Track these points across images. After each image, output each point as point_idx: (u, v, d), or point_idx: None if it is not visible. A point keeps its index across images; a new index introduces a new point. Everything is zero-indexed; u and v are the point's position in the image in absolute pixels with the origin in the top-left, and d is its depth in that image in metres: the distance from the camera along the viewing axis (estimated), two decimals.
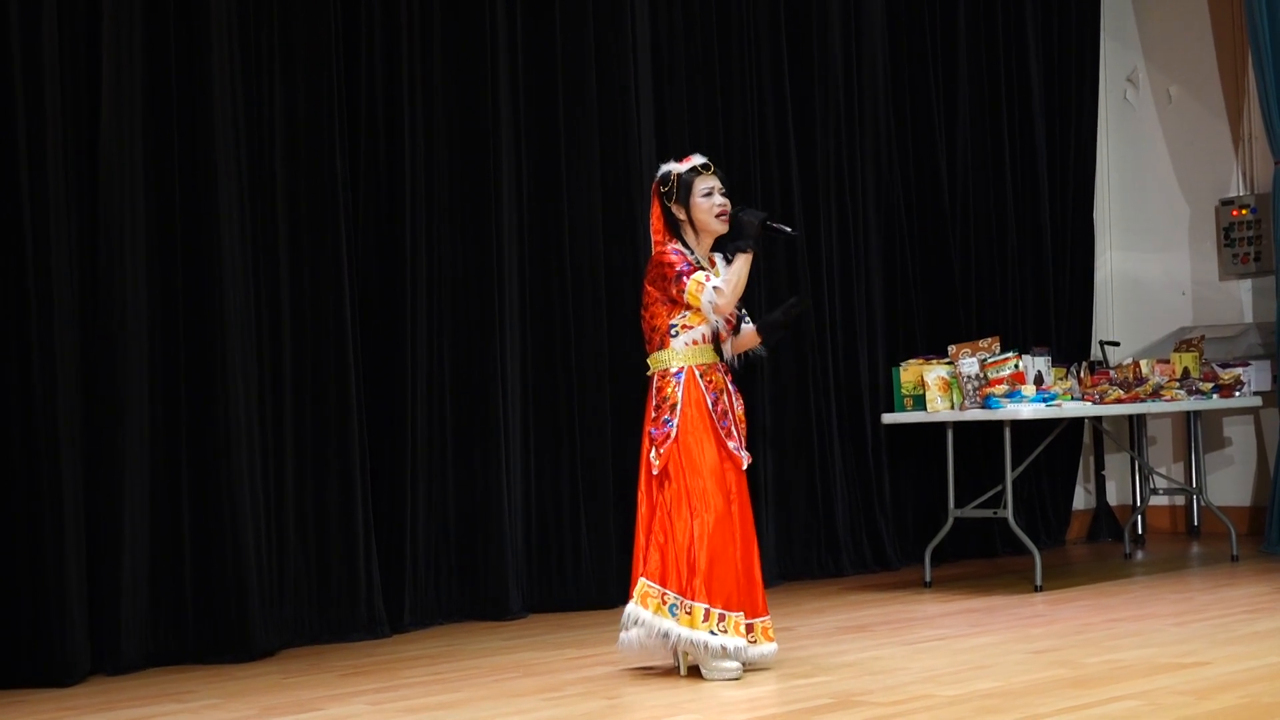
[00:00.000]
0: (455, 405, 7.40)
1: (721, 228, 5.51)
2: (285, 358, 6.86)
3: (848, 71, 9.08)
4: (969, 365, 7.83)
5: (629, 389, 7.65)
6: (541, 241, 7.74)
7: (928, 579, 8.20)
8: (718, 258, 5.57)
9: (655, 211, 5.58)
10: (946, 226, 9.44)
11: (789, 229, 5.51)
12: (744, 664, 5.44)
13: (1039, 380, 8.02)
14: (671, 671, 5.58)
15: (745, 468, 5.51)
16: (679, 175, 5.52)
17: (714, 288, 5.36)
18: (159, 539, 6.39)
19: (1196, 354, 8.84)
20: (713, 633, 5.31)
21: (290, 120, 6.90)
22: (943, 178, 9.45)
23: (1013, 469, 7.96)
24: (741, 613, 5.39)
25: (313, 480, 6.89)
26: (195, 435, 6.49)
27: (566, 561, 7.63)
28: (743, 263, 5.40)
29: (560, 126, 7.78)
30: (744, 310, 5.70)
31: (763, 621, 5.51)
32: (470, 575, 7.38)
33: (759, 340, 5.62)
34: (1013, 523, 7.89)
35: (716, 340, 5.53)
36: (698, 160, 5.56)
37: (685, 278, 5.37)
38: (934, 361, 8.06)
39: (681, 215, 5.51)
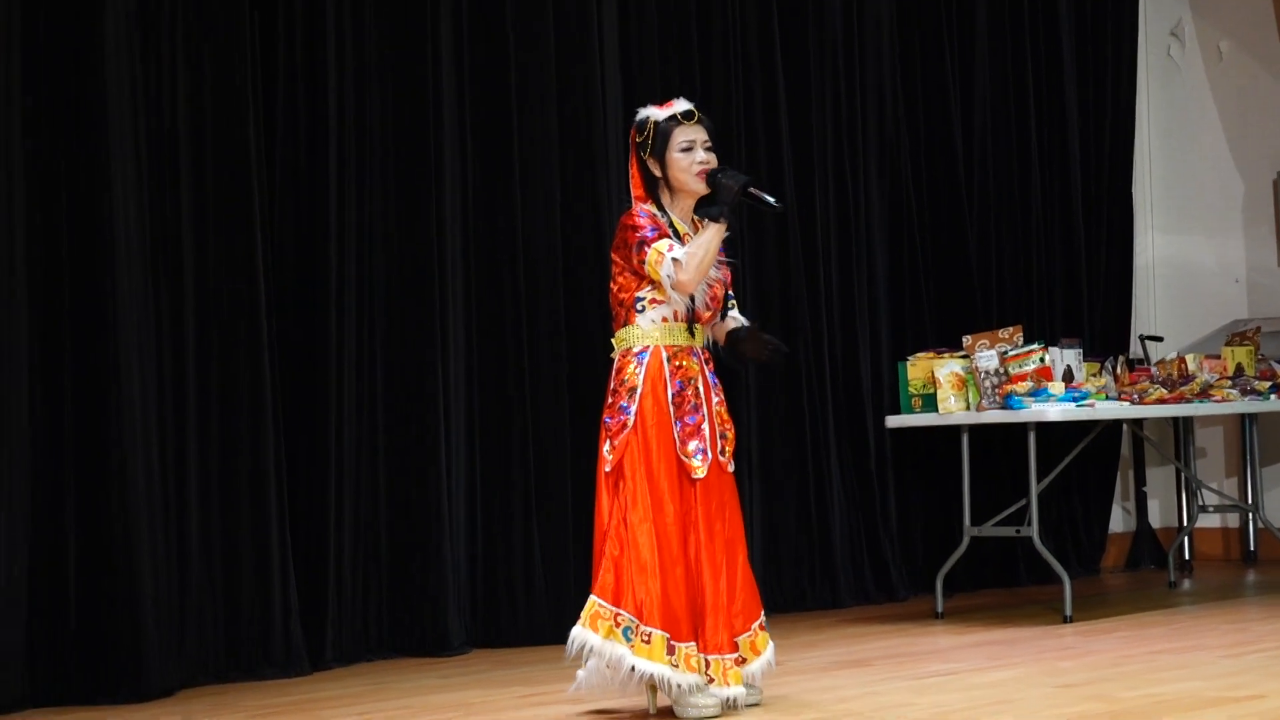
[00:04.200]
0: (389, 408, 7.40)
1: (701, 188, 5.47)
2: (189, 354, 6.85)
3: (848, 21, 9.10)
4: (987, 359, 7.83)
5: (590, 391, 7.61)
6: (490, 222, 7.75)
7: (939, 610, 8.20)
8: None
9: (633, 165, 5.54)
10: (962, 200, 9.45)
11: (772, 200, 5.46)
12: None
13: (1068, 377, 8.01)
14: (640, 713, 5.53)
15: (697, 477, 5.40)
16: (656, 123, 5.46)
17: (673, 260, 5.31)
18: (38, 561, 6.36)
19: (1251, 348, 8.85)
20: (674, 666, 5.26)
21: (195, 78, 6.91)
22: (957, 144, 9.46)
23: (1038, 481, 7.95)
24: (693, 643, 5.34)
25: (220, 493, 6.88)
26: (83, 442, 6.49)
27: (517, 588, 7.61)
28: (713, 234, 5.35)
29: (511, 86, 7.79)
30: (733, 298, 5.67)
31: (724, 660, 5.43)
32: (404, 604, 7.36)
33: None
34: (1038, 542, 7.88)
35: (691, 320, 5.48)
36: (680, 106, 5.50)
37: (647, 246, 5.33)
38: (946, 355, 8.06)
39: (657, 171, 5.47)
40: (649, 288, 5.41)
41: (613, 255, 5.47)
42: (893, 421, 8.24)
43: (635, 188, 5.55)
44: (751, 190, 5.43)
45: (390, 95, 7.46)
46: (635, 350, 5.41)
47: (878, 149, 9.19)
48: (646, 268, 5.34)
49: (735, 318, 5.65)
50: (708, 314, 5.50)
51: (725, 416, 5.51)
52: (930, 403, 7.98)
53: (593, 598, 5.29)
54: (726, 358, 5.62)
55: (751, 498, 8.40)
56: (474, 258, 7.70)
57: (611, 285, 5.50)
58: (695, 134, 5.48)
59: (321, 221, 7.20)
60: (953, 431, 8.29)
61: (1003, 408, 7.75)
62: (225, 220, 6.92)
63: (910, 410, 8.09)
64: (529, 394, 7.70)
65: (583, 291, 7.78)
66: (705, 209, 5.45)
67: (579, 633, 5.27)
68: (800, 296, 8.71)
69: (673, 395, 5.37)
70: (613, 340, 5.50)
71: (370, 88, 7.39)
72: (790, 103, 8.84)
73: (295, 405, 7.13)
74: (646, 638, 5.24)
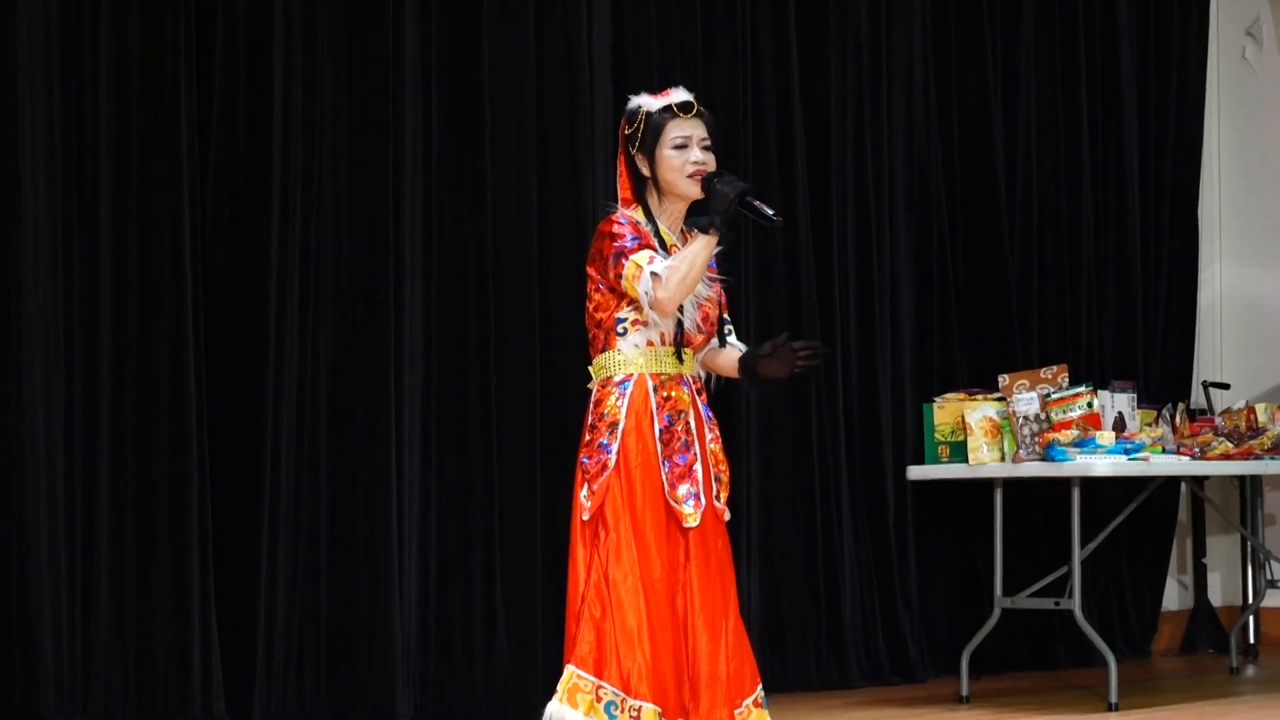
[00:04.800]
0: (331, 438, 7.40)
1: (693, 192, 5.41)
2: (103, 371, 6.88)
3: (874, 14, 9.12)
4: (1027, 403, 7.83)
5: (566, 426, 7.61)
6: (455, 226, 7.76)
7: (964, 693, 8.20)
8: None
9: (620, 162, 5.50)
10: (1001, 219, 9.44)
11: (771, 212, 5.40)
12: None
13: (1120, 426, 8.02)
14: None
15: (689, 525, 5.33)
16: (647, 114, 5.42)
17: (652, 274, 5.25)
18: None
19: None
20: None
21: (121, 51, 6.95)
22: (998, 154, 9.46)
23: (1082, 546, 7.95)
24: None
25: (135, 534, 6.88)
26: None
27: (476, 651, 7.58)
28: (700, 246, 5.29)
29: (485, 70, 7.79)
30: (729, 322, 5.62)
31: None
32: (344, 668, 7.34)
33: (736, 376, 5.54)
34: (1080, 616, 7.89)
35: (679, 343, 5.44)
36: (677, 97, 5.44)
37: (624, 258, 5.29)
38: (979, 397, 8.07)
39: (645, 170, 5.42)
40: (630, 307, 5.35)
41: (589, 269, 5.41)
42: (915, 473, 8.24)
43: (622, 189, 5.49)
44: (749, 200, 5.38)
45: (343, 70, 7.49)
46: (616, 379, 5.36)
47: (905, 159, 9.19)
48: (623, 283, 5.29)
49: (735, 345, 5.59)
50: (700, 337, 5.45)
51: (720, 456, 5.46)
52: (959, 452, 7.99)
53: (570, 668, 5.22)
54: (747, 386, 5.54)
55: (748, 557, 8.36)
56: (436, 269, 7.70)
57: (588, 304, 5.44)
58: (691, 129, 5.42)
59: (262, 216, 7.23)
60: (984, 486, 8.29)
61: (1043, 459, 7.75)
62: (151, 213, 6.96)
63: (936, 460, 8.10)
64: (495, 428, 7.68)
65: (561, 310, 7.72)
66: (695, 218, 5.40)
67: (556, 709, 5.22)
68: (812, 326, 8.66)
69: (660, 431, 5.32)
70: (590, 368, 5.46)
71: (321, 62, 7.42)
72: (806, 104, 8.84)
73: (223, 435, 7.15)
74: (635, 713, 5.18)
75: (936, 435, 8.08)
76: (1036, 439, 7.76)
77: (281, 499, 7.20)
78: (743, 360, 5.47)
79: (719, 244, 5.32)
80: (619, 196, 5.50)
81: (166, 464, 6.90)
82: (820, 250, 8.80)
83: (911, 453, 8.77)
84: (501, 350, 7.71)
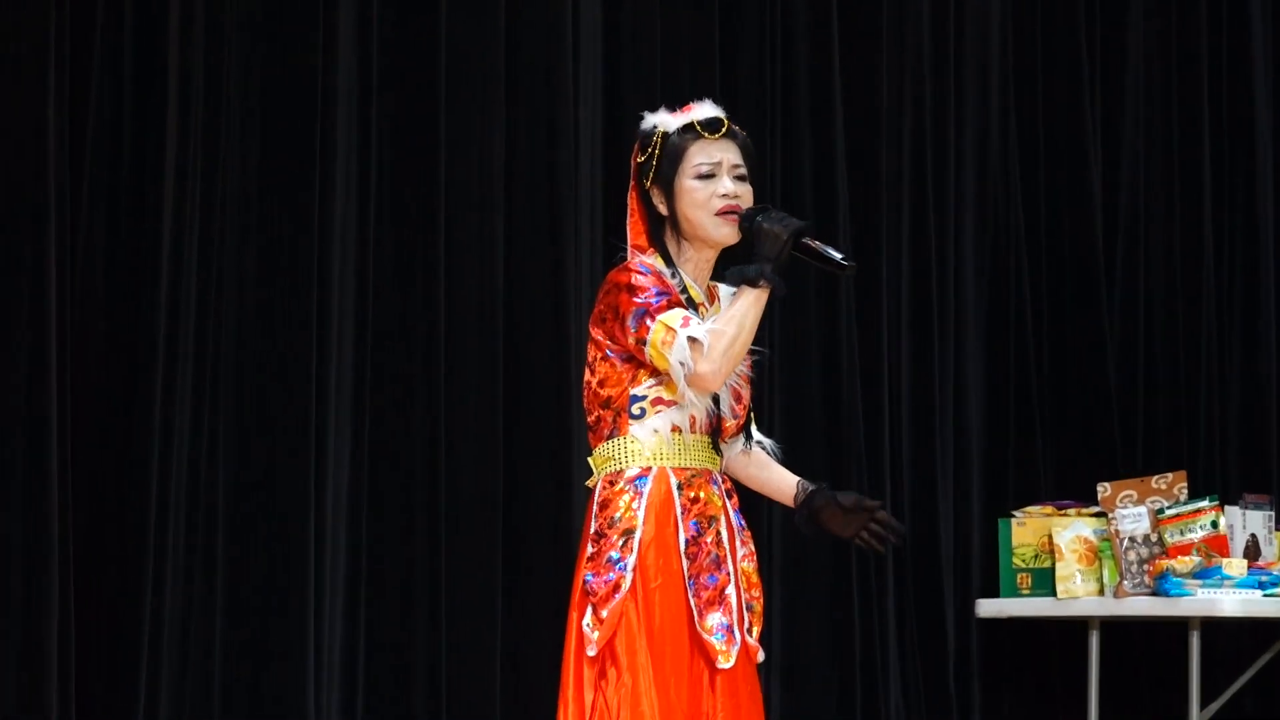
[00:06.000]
0: (232, 518, 7.61)
1: (723, 235, 5.36)
2: None
3: (939, 16, 9.19)
4: (1133, 520, 7.86)
5: (536, 501, 7.81)
6: (398, 277, 7.88)
7: None
8: (723, 291, 5.42)
9: (632, 198, 5.44)
10: (1099, 287, 9.44)
11: (839, 256, 5.33)
12: None
13: (1253, 552, 8.00)
14: None
15: (724, 665, 5.26)
16: (664, 136, 5.37)
17: (690, 339, 5.15)
18: None
19: None
20: None
21: None
22: (1095, 197, 9.47)
23: (1202, 707, 7.95)
24: None
25: None
26: None
27: None
28: (750, 304, 5.22)
29: (440, 68, 7.91)
30: (751, 410, 5.55)
31: None
32: None
33: (790, 504, 5.48)
34: None
35: (717, 431, 5.38)
36: (701, 113, 5.38)
37: (650, 318, 5.20)
38: (1072, 512, 8.08)
39: (663, 207, 5.37)
40: (651, 381, 5.28)
41: (593, 331, 5.35)
42: (986, 608, 8.29)
43: (634, 233, 5.43)
44: (807, 242, 5.30)
45: (257, 68, 7.68)
46: (629, 474, 5.26)
47: (976, 204, 9.23)
48: (648, 350, 5.20)
49: (763, 445, 5.52)
50: (732, 424, 5.39)
51: (753, 578, 5.39)
52: (1044, 581, 8.02)
53: None
54: (803, 525, 5.46)
55: (770, 708, 8.28)
56: (371, 331, 7.81)
57: (588, 376, 5.37)
58: (721, 153, 5.35)
59: (149, 239, 7.46)
60: (1077, 626, 8.31)
61: (1154, 594, 7.78)
62: (6, 234, 7.18)
63: (1014, 592, 8.14)
64: (444, 537, 7.76)
65: (534, 385, 7.86)
66: (738, 267, 5.30)
67: None
68: (853, 417, 8.71)
69: (685, 543, 5.24)
70: (590, 460, 5.37)
71: (230, 65, 7.59)
72: (851, 130, 8.91)
73: (91, 503, 7.41)
74: None
75: (1015, 560, 8.11)
76: (1146, 567, 7.78)
77: (167, 591, 7.39)
78: (811, 498, 5.40)
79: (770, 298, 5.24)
80: (628, 242, 5.41)
81: (20, 523, 7.22)
82: (866, 322, 8.83)
83: (980, 582, 8.77)
84: (454, 440, 7.80)
